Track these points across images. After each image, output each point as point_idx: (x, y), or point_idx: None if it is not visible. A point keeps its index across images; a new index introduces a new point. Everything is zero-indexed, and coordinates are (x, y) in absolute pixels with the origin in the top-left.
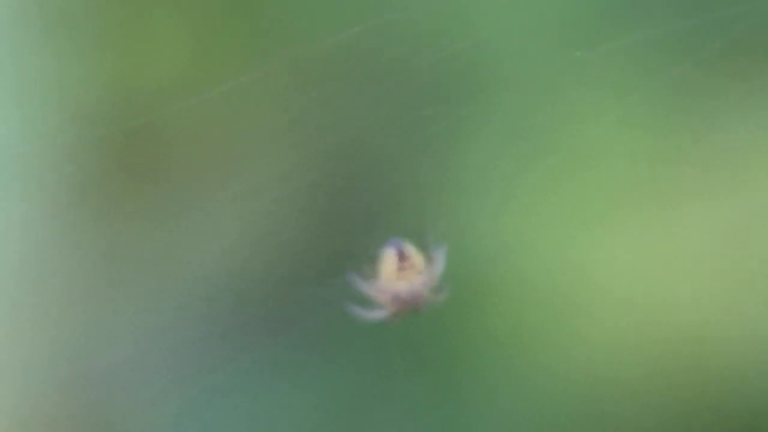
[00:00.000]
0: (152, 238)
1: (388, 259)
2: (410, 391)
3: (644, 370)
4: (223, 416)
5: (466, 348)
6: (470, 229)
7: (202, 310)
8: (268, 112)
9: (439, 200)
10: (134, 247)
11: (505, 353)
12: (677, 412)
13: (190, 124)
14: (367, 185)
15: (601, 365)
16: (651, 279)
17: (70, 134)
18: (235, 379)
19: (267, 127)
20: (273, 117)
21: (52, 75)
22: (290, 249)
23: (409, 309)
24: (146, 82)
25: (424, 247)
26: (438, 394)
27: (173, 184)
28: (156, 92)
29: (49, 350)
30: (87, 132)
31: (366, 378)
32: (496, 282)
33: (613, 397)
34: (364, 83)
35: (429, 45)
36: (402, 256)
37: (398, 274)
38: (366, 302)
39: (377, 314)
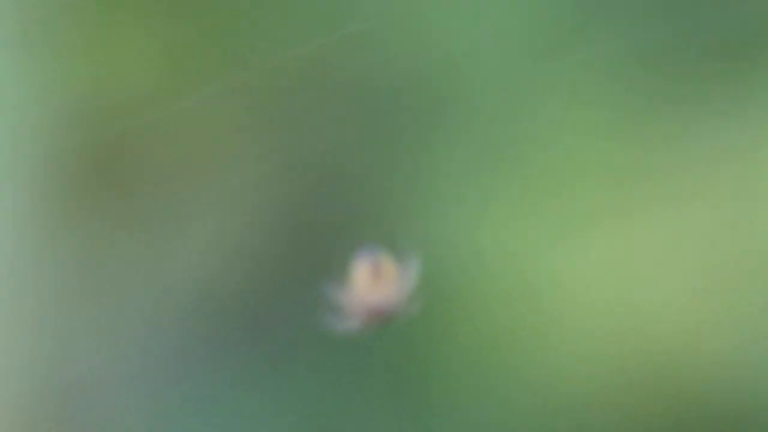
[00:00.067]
0: (126, 248)
1: (361, 269)
2: (383, 401)
3: (621, 380)
4: (197, 427)
5: (440, 358)
6: (444, 239)
7: (177, 320)
8: (240, 122)
9: (413, 210)
10: (108, 257)
11: (479, 364)
12: (653, 421)
13: (163, 133)
14: (340, 195)
15: (576, 376)
16: (627, 288)
17: (45, 143)
18: (209, 390)
19: (239, 136)
20: (245, 127)
21: (27, 84)
22: (264, 259)
23: (382, 319)
24: (121, 91)
25: (397, 257)
26: (411, 405)
27: (147, 193)
28: (130, 102)
29: (23, 360)
30: (61, 141)
31: (339, 389)
32: (470, 292)
33: (589, 408)
34: (336, 94)
35: (400, 55)
36: (375, 266)
37: (371, 284)
38: (339, 312)
39: (350, 324)
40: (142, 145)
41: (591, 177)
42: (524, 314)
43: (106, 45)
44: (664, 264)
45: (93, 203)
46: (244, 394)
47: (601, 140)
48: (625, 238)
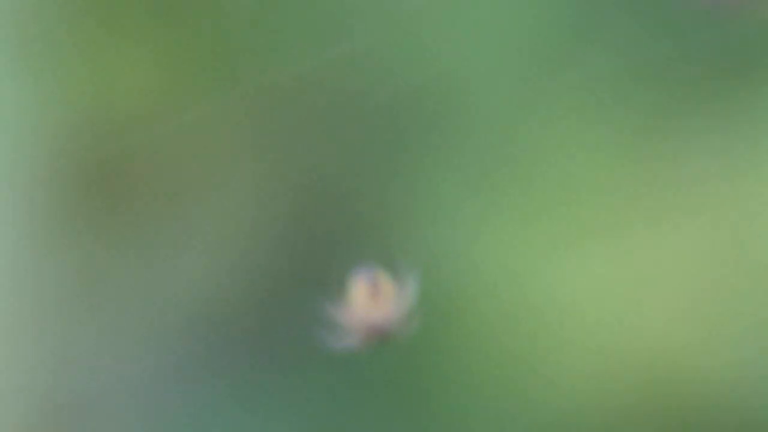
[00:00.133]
0: (126, 265)
1: (359, 286)
2: (382, 419)
3: (621, 397)
4: None
5: (438, 376)
6: (442, 256)
7: (176, 336)
8: (239, 139)
9: (411, 227)
10: (108, 273)
11: (478, 381)
12: None
13: (162, 150)
14: (338, 212)
15: (576, 392)
16: (626, 305)
17: (44, 160)
18: (208, 405)
19: (238, 153)
20: (243, 144)
21: (26, 101)
22: (262, 275)
23: (380, 336)
24: (119, 108)
25: (395, 275)
26: (410, 422)
27: (146, 209)
28: (129, 119)
29: (24, 375)
30: (61, 158)
31: (338, 406)
32: (468, 309)
33: (588, 425)
34: (334, 111)
35: (398, 72)
36: (373, 284)
37: (369, 301)
38: (337, 329)
39: (348, 341)
40: (142, 161)
41: (589, 194)
42: (523, 331)
43: (105, 62)
44: (663, 280)
45: (92, 219)
46: (243, 410)
47: (599, 157)
48: (623, 255)
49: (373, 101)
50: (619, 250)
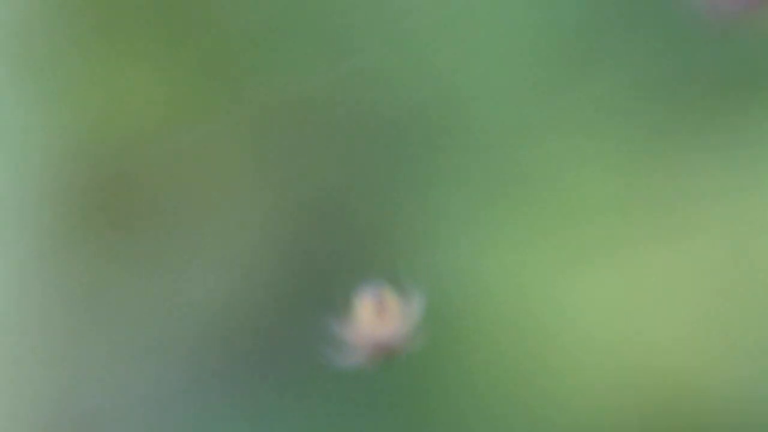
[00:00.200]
0: (132, 281)
1: (365, 303)
2: None
3: (628, 414)
4: None
5: (445, 391)
6: (449, 272)
7: (182, 354)
8: (244, 158)
9: (418, 244)
10: (115, 292)
11: (484, 397)
12: None
13: (167, 168)
14: (344, 229)
15: (582, 408)
16: (632, 320)
17: (50, 180)
18: (216, 422)
19: (243, 172)
20: (248, 162)
21: (31, 120)
22: (268, 292)
23: (387, 353)
24: (124, 127)
25: (401, 291)
26: None
27: (152, 228)
28: (134, 138)
29: (33, 392)
30: (66, 177)
31: (344, 423)
32: (475, 325)
33: None
34: (340, 127)
35: (404, 89)
36: (379, 300)
37: (375, 318)
38: (342, 346)
39: (354, 359)
40: (148, 178)
41: (594, 210)
42: (530, 347)
43: (109, 81)
44: (669, 296)
45: (99, 236)
46: (250, 425)
47: (604, 173)
48: (629, 270)
49: (379, 118)
50: (626, 267)
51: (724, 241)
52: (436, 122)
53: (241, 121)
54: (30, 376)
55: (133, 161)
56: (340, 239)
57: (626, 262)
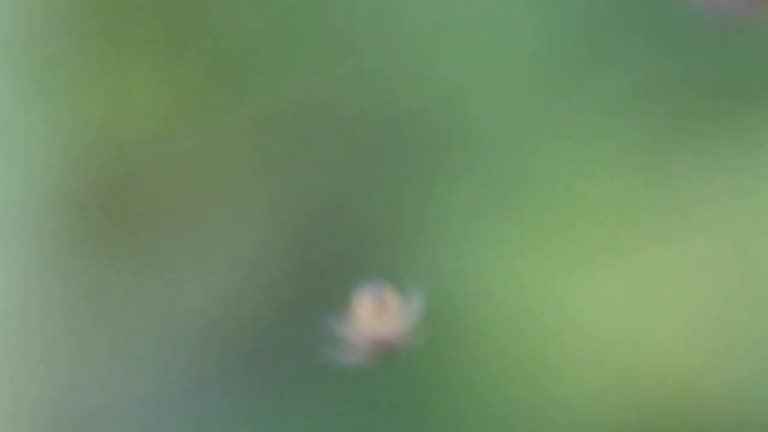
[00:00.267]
0: (135, 283)
1: (365, 302)
2: None
3: (628, 413)
4: None
5: (445, 391)
6: (449, 272)
7: (184, 355)
8: (246, 159)
9: (418, 244)
10: (118, 292)
11: (484, 397)
12: None
13: (171, 171)
14: (345, 229)
15: (583, 409)
16: (633, 322)
17: (54, 183)
18: (217, 423)
19: (245, 173)
20: (251, 164)
21: (36, 124)
22: (270, 293)
23: (386, 352)
24: (128, 130)
25: (401, 291)
26: None
27: (155, 230)
28: (138, 141)
29: (36, 393)
30: (71, 180)
31: (344, 421)
32: (476, 325)
33: None
34: (341, 129)
35: (405, 91)
36: (379, 299)
37: (375, 317)
38: (342, 345)
39: (354, 357)
40: (151, 181)
41: (595, 210)
42: (530, 348)
43: (113, 85)
44: (670, 298)
45: (102, 239)
46: (251, 425)
47: (606, 176)
48: (629, 271)
49: (380, 119)
50: (627, 267)
51: (725, 242)
52: (436, 123)
53: (245, 124)
54: (30, 376)
55: (135, 163)
56: (340, 239)
57: (626, 263)
